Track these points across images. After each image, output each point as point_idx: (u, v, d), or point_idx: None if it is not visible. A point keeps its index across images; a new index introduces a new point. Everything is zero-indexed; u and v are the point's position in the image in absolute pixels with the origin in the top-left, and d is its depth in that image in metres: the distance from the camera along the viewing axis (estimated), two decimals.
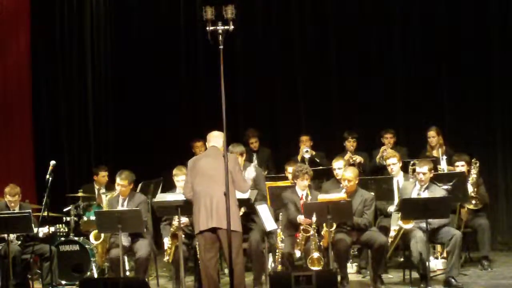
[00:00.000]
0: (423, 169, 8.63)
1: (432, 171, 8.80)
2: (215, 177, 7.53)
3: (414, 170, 9.10)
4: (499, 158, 11.50)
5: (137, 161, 9.11)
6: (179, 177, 8.81)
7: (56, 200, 9.73)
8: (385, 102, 11.76)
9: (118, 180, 8.85)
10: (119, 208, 8.80)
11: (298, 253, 8.70)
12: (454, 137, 10.97)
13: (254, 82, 12.09)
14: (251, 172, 8.00)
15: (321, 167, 10.25)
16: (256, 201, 8.42)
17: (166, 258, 8.65)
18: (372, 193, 8.87)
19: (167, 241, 8.66)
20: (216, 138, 7.82)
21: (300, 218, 8.60)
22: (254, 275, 8.61)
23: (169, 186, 9.32)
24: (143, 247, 8.66)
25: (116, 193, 8.93)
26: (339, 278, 8.52)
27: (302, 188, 8.82)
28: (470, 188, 9.37)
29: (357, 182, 8.68)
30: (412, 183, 8.87)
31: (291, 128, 11.74)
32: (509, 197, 11.43)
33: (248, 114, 11.87)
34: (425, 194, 8.58)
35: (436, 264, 9.39)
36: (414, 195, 8.68)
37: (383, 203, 9.38)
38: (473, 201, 9.41)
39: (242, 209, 8.17)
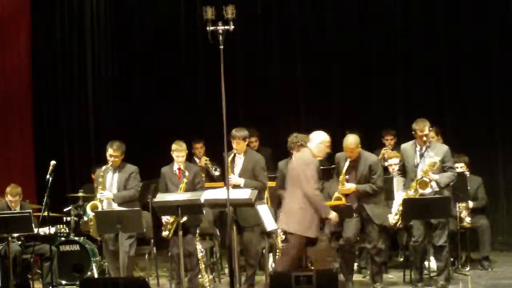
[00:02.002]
0: (425, 130, 8.41)
1: (431, 128, 8.63)
2: (289, 179, 7.95)
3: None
4: (499, 158, 11.52)
5: (137, 161, 9.09)
6: (180, 152, 8.75)
7: (56, 200, 9.73)
8: (385, 102, 11.77)
9: (110, 151, 8.76)
10: (109, 179, 8.78)
11: None
12: (454, 137, 10.97)
13: (254, 82, 12.09)
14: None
15: (321, 167, 10.23)
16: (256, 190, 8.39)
17: (165, 233, 8.64)
18: (377, 157, 8.74)
19: (165, 218, 8.59)
20: (310, 138, 8.04)
21: None
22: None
23: None
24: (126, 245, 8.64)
25: (109, 165, 8.84)
26: (342, 278, 8.56)
27: None
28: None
29: (359, 149, 8.52)
30: (412, 144, 8.61)
31: (291, 128, 11.71)
32: (509, 197, 11.44)
33: (248, 114, 11.87)
34: (428, 153, 8.41)
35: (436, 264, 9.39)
36: (417, 156, 8.47)
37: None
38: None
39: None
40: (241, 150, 8.60)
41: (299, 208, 7.79)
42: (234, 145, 8.50)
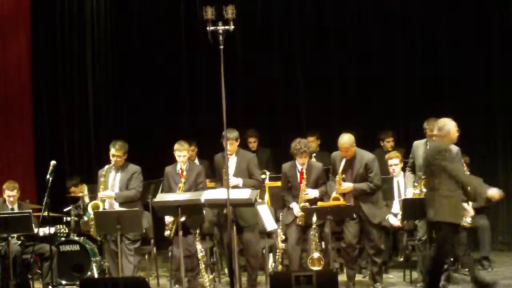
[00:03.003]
0: (435, 130, 8.29)
1: None
2: (427, 171, 7.92)
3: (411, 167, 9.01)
4: (499, 158, 11.52)
5: (137, 161, 9.09)
6: (181, 152, 8.74)
7: (56, 200, 9.73)
8: (385, 102, 11.77)
9: (113, 150, 8.74)
10: (111, 178, 8.77)
11: (296, 208, 8.60)
12: None
13: (254, 82, 12.09)
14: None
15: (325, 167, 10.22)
16: (254, 188, 8.39)
17: (167, 233, 8.64)
18: (373, 155, 8.69)
19: (168, 217, 8.61)
20: (440, 127, 7.86)
21: (295, 209, 8.59)
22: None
23: None
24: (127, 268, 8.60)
25: (111, 165, 8.81)
26: (345, 278, 8.57)
27: (301, 164, 8.72)
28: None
29: (354, 148, 8.51)
30: (424, 142, 8.63)
31: (291, 128, 11.74)
32: (509, 197, 11.41)
33: (248, 114, 11.87)
34: None
35: None
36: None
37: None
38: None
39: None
40: (233, 151, 8.62)
41: (444, 196, 7.65)
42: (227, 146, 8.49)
